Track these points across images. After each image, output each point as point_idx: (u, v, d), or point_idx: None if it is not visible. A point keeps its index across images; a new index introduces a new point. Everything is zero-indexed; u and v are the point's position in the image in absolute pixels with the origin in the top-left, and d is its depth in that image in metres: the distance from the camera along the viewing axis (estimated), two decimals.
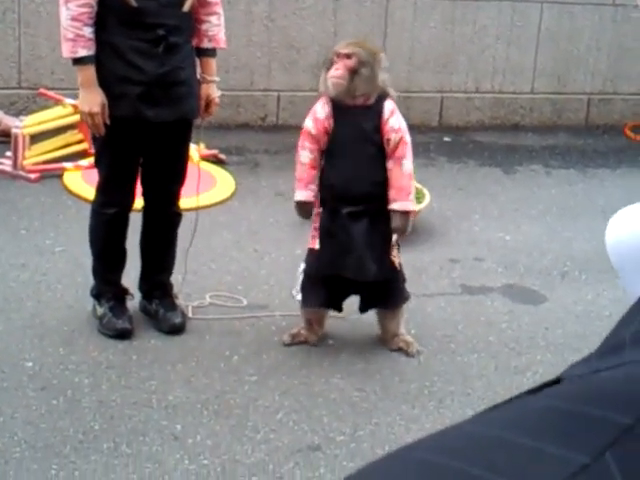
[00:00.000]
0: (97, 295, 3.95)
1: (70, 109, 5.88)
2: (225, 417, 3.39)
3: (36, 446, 3.15)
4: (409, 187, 3.70)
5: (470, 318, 4.27)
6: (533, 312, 4.39)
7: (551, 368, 3.87)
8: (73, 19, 3.53)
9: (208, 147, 5.83)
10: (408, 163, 3.67)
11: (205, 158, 5.72)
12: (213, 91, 3.89)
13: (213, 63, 3.90)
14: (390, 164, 3.66)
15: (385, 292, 3.82)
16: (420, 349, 3.92)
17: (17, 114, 6.03)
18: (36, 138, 5.70)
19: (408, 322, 4.00)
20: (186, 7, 3.68)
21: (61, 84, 6.27)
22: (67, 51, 3.60)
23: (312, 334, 3.90)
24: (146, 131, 3.73)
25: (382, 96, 3.69)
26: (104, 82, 3.62)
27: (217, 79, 3.94)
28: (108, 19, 3.59)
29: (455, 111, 7.26)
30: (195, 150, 5.77)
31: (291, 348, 3.87)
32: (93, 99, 3.61)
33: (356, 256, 3.68)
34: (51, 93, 6.10)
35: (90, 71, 3.61)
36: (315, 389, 3.61)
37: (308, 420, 3.41)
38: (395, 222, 3.69)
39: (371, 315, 3.98)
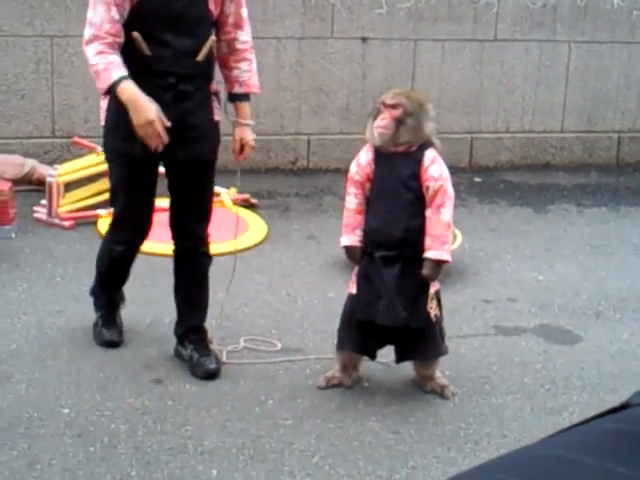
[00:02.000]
0: (94, 295, 4.25)
1: (103, 157, 5.95)
2: (261, 462, 3.38)
3: None
4: (445, 236, 3.69)
5: (504, 359, 4.25)
6: (568, 352, 4.36)
7: (588, 408, 3.84)
8: (99, 53, 3.58)
9: (239, 191, 5.88)
10: (447, 212, 3.67)
11: (237, 202, 5.76)
12: (247, 134, 3.95)
13: (246, 107, 3.95)
14: (429, 212, 3.67)
15: (419, 343, 3.79)
16: (455, 391, 3.90)
17: (51, 163, 6.12)
18: (70, 186, 5.77)
19: (442, 364, 3.98)
20: (200, 57, 3.73)
21: (94, 132, 6.35)
22: (103, 82, 3.59)
23: (346, 377, 3.89)
24: (156, 170, 3.86)
25: (425, 144, 3.70)
26: (118, 124, 3.67)
27: (251, 122, 3.99)
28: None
29: (485, 151, 7.27)
30: (226, 194, 5.84)
31: (326, 391, 3.87)
32: (146, 109, 3.55)
33: (387, 301, 3.68)
34: (85, 141, 6.18)
35: (130, 85, 3.56)
36: (350, 432, 3.60)
37: (344, 464, 3.39)
38: (426, 270, 3.68)
39: None
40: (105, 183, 6.01)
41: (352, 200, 3.78)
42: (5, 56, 6.23)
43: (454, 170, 6.94)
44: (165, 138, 3.60)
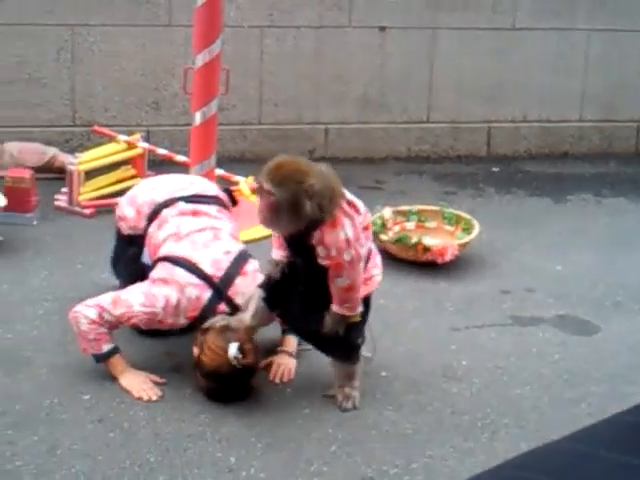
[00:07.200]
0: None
1: (123, 145, 5.99)
2: (278, 450, 3.41)
3: (94, 478, 3.20)
4: (345, 299, 3.52)
5: (521, 349, 4.26)
6: (586, 343, 4.36)
7: (606, 400, 3.85)
8: (91, 322, 3.71)
9: None
10: (341, 280, 3.47)
11: (255, 191, 5.77)
12: (283, 359, 3.97)
13: (288, 339, 4.05)
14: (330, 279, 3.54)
15: (331, 342, 3.65)
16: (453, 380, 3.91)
17: (71, 151, 6.15)
18: (90, 174, 5.80)
19: (459, 353, 3.99)
20: None
21: (114, 121, 6.40)
22: (92, 349, 3.77)
23: None
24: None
25: (314, 223, 3.40)
26: None
27: (290, 350, 4.01)
28: None
29: (503, 141, 7.26)
30: (245, 183, 5.86)
31: None
32: (137, 378, 3.78)
33: (298, 321, 3.74)
34: (105, 130, 6.22)
35: (118, 358, 3.79)
36: (368, 421, 3.62)
37: (361, 453, 3.42)
38: (325, 320, 3.56)
39: (422, 347, 3.99)
40: (125, 171, 6.05)
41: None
42: (26, 45, 6.26)
43: (472, 159, 6.97)
44: (158, 392, 3.74)
